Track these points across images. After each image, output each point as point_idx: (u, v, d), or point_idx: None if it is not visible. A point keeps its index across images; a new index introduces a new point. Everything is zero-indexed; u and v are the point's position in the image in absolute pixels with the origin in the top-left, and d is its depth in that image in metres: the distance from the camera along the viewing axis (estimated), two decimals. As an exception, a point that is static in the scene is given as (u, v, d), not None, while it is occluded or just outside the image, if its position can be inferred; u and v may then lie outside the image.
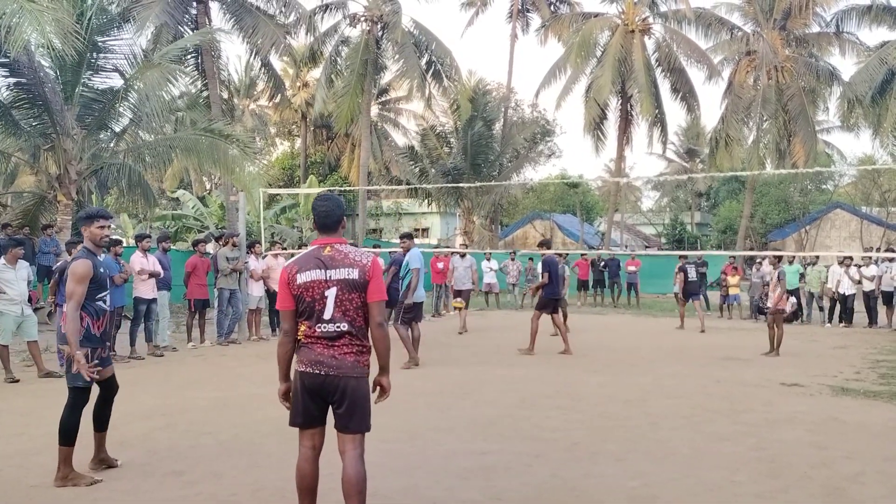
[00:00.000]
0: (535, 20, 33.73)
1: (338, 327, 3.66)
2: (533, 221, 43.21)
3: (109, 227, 5.20)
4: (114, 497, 4.63)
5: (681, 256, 16.81)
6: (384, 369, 3.87)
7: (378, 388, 3.91)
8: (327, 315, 3.65)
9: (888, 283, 15.67)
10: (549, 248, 11.79)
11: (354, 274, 3.67)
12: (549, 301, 11.20)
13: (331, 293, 3.65)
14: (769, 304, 11.76)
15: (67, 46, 12.14)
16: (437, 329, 14.05)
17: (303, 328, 3.72)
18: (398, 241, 10.55)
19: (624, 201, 48.47)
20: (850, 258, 16.31)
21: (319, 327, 3.66)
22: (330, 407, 3.82)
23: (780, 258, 12.81)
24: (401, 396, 7.68)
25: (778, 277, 11.62)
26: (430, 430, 6.33)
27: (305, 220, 28.63)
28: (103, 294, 5.04)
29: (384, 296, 3.77)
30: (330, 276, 3.66)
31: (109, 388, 5.18)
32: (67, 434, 4.85)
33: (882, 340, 13.20)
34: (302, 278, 3.67)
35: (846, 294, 16.01)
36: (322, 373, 3.67)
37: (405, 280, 10.06)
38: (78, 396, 4.93)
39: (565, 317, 12.41)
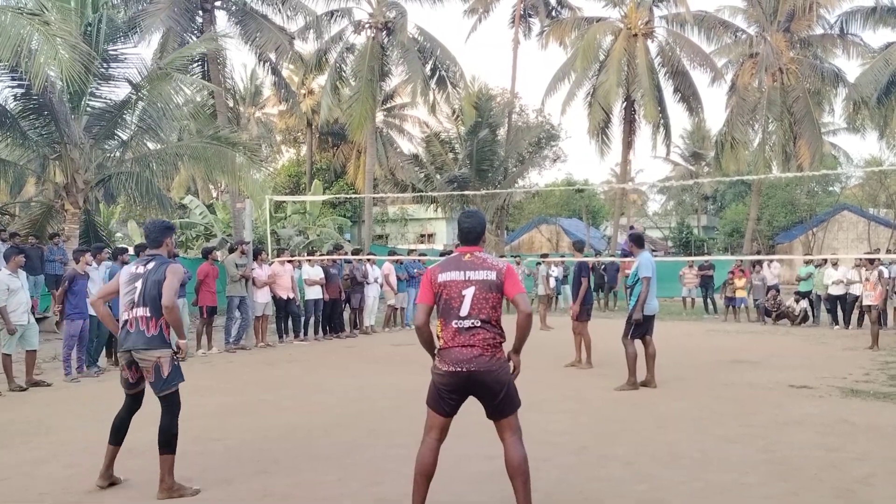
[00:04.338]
0: (537, 25, 33.75)
1: (473, 323, 3.99)
2: (539, 226, 43.20)
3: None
4: (122, 504, 4.63)
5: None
6: (517, 350, 4.15)
7: (510, 364, 4.16)
8: (463, 312, 4.00)
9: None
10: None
11: (493, 276, 4.05)
12: None
13: (469, 292, 4.01)
14: (868, 302, 13.17)
15: (78, 65, 12.32)
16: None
17: (439, 328, 4.06)
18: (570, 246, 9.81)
19: (630, 205, 48.39)
20: (872, 261, 15.47)
21: (456, 323, 4.00)
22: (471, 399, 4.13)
23: (872, 260, 13.84)
24: (408, 402, 7.67)
25: (878, 276, 13.12)
26: (437, 435, 6.32)
27: (312, 225, 28.67)
28: None
29: (522, 288, 4.12)
30: (469, 277, 4.04)
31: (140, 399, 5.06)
32: (174, 441, 4.74)
33: (891, 342, 13.12)
34: (443, 277, 4.07)
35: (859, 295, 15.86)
36: (464, 370, 3.96)
37: (636, 288, 8.56)
38: (178, 398, 4.84)
39: None
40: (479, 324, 3.99)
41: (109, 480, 4.91)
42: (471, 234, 4.22)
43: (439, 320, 4.09)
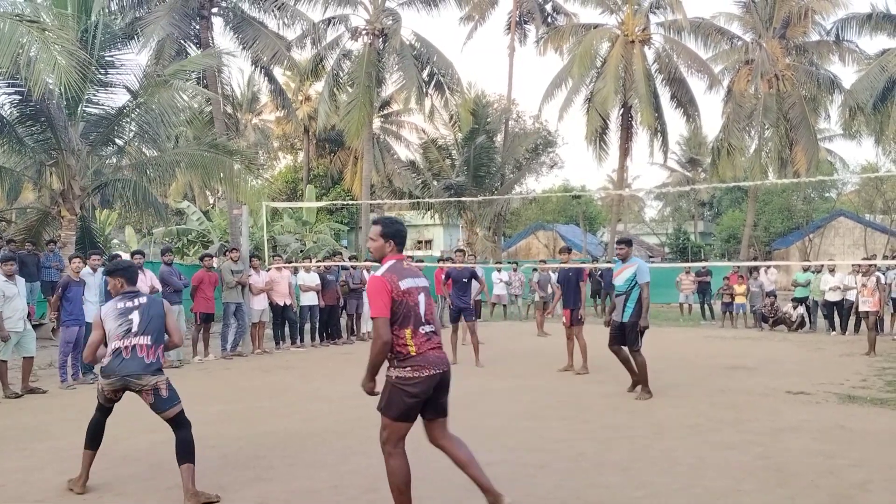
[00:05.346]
0: (533, 31, 33.87)
1: (431, 328, 4.14)
2: (536, 232, 43.22)
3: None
4: (117, 511, 4.61)
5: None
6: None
7: None
8: (423, 317, 4.10)
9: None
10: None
11: (427, 283, 4.25)
12: (451, 311, 11.68)
13: (422, 297, 4.13)
14: (866, 308, 12.97)
15: (75, 71, 12.32)
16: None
17: (408, 335, 4.02)
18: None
19: (627, 211, 48.48)
20: (874, 266, 14.45)
21: (422, 328, 4.08)
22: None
23: (871, 265, 13.88)
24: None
25: (876, 282, 13.13)
26: (434, 441, 6.30)
27: (309, 232, 28.66)
28: None
29: None
30: (418, 284, 4.14)
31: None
32: (194, 451, 4.94)
33: (888, 348, 13.14)
34: (405, 284, 4.06)
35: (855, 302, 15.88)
36: (440, 371, 4.10)
37: (633, 294, 8.43)
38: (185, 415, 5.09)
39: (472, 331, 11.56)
40: (432, 328, 4.15)
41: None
42: (405, 239, 4.33)
43: (408, 329, 4.02)
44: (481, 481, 4.25)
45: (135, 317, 5.00)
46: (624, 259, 8.74)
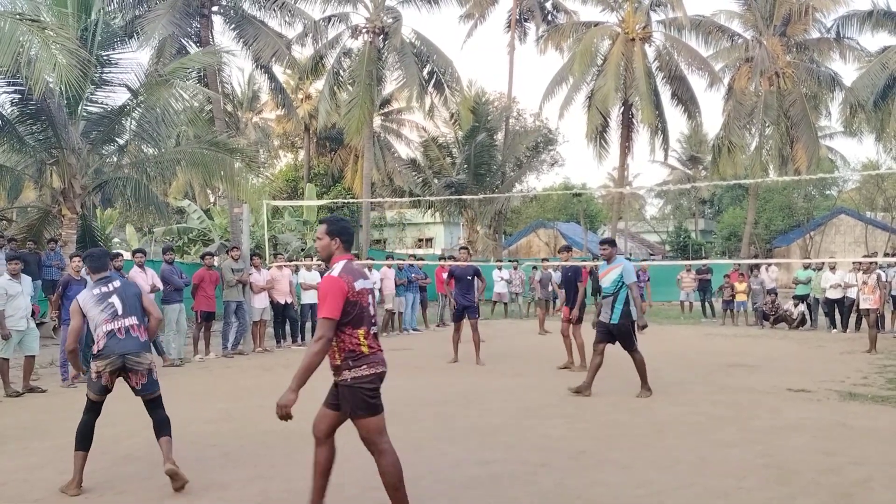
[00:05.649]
0: (533, 30, 33.89)
1: (376, 328, 4.20)
2: (537, 230, 43.24)
3: None
4: (118, 510, 4.62)
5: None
6: None
7: None
8: (372, 318, 4.14)
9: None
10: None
11: (373, 284, 4.31)
12: (455, 310, 11.51)
13: (370, 299, 4.17)
14: (867, 306, 13.04)
15: (76, 70, 12.32)
16: (441, 338, 14.02)
17: (361, 335, 4.04)
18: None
19: (627, 209, 48.46)
20: (875, 264, 14.20)
21: (372, 329, 4.13)
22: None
23: (872, 262, 13.75)
24: (405, 406, 7.65)
25: (877, 279, 13.10)
26: (434, 439, 6.32)
27: (309, 231, 28.68)
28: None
29: None
30: (367, 286, 4.18)
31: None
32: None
33: (889, 345, 13.13)
34: (358, 285, 4.07)
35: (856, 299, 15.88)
36: (385, 369, 4.16)
37: (621, 295, 8.32)
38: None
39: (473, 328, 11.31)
40: (376, 328, 4.22)
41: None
42: (353, 238, 4.31)
43: (361, 329, 4.03)
44: (321, 494, 4.29)
45: (115, 300, 5.20)
46: (608, 260, 8.64)
